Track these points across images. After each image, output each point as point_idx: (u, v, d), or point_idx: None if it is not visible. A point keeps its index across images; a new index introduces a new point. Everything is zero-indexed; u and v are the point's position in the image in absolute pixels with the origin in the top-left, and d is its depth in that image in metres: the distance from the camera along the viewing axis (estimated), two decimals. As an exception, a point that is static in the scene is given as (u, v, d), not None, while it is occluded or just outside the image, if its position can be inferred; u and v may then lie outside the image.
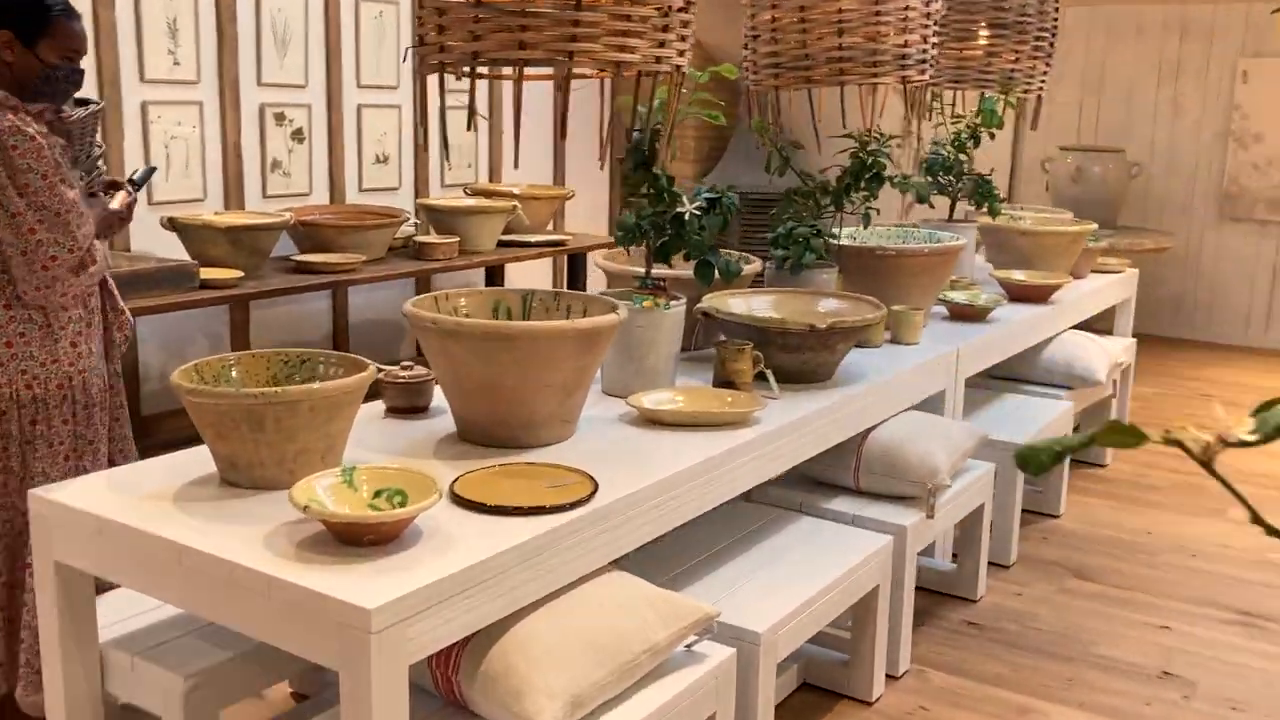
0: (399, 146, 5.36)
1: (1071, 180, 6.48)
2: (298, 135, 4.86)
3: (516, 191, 5.26)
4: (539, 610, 1.80)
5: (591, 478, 1.96)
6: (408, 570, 1.60)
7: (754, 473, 2.32)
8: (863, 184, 3.14)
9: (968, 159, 3.85)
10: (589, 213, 6.54)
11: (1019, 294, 3.90)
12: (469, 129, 2.39)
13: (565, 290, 2.42)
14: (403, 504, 1.77)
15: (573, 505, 1.85)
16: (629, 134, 2.58)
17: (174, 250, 4.01)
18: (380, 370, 2.38)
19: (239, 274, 3.83)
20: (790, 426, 2.40)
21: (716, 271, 2.64)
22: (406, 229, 4.74)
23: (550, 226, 5.54)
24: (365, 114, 5.17)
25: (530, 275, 6.30)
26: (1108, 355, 4.00)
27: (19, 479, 2.31)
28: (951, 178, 3.92)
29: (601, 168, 2.27)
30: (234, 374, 2.05)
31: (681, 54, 2.34)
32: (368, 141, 5.20)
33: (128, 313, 2.57)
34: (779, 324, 2.60)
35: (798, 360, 2.66)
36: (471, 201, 4.87)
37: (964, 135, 3.87)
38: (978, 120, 3.93)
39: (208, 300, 3.69)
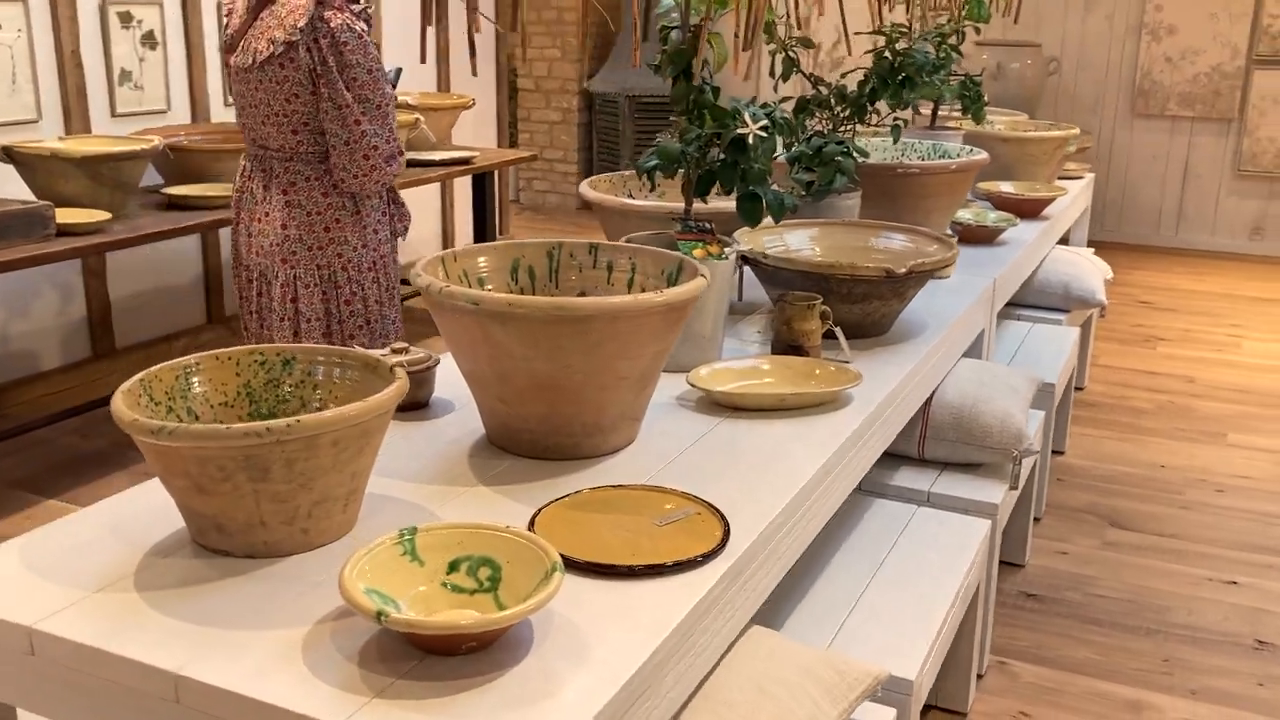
0: (268, 52, 4.58)
1: (991, 78, 6.15)
2: (149, 40, 4.05)
3: (412, 101, 4.56)
4: (693, 706, 1.30)
5: (708, 504, 1.46)
6: (549, 698, 1.08)
7: (864, 463, 1.85)
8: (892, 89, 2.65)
9: (960, 57, 3.40)
10: (474, 122, 5.87)
11: (1010, 208, 3.51)
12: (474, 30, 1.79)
13: (602, 241, 1.86)
14: (493, 578, 1.23)
15: (713, 552, 1.35)
16: (660, 30, 2.01)
17: (11, 187, 3.24)
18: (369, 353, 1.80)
19: (104, 216, 3.10)
20: (888, 399, 1.94)
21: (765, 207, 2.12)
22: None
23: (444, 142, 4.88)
24: (228, 13, 4.37)
25: (428, 201, 5.63)
26: (1100, 272, 3.68)
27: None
28: (937, 80, 3.46)
29: (474, 72, 1.74)
30: (195, 387, 1.45)
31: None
32: (232, 46, 4.41)
33: (406, 205, 2.77)
34: (847, 269, 2.11)
35: (861, 312, 2.19)
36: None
37: (952, 30, 3.41)
38: (963, 13, 3.48)
39: (69, 251, 2.96)
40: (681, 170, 2.05)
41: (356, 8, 2.47)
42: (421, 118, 4.23)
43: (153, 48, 4.04)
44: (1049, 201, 3.57)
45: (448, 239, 5.83)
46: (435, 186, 5.60)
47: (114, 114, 3.95)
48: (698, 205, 2.34)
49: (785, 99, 2.50)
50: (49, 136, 3.63)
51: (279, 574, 1.29)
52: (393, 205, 2.71)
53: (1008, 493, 2.29)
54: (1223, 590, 2.70)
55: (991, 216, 3.22)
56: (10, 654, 1.20)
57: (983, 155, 2.96)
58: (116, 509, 1.45)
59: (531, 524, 1.41)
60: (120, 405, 1.29)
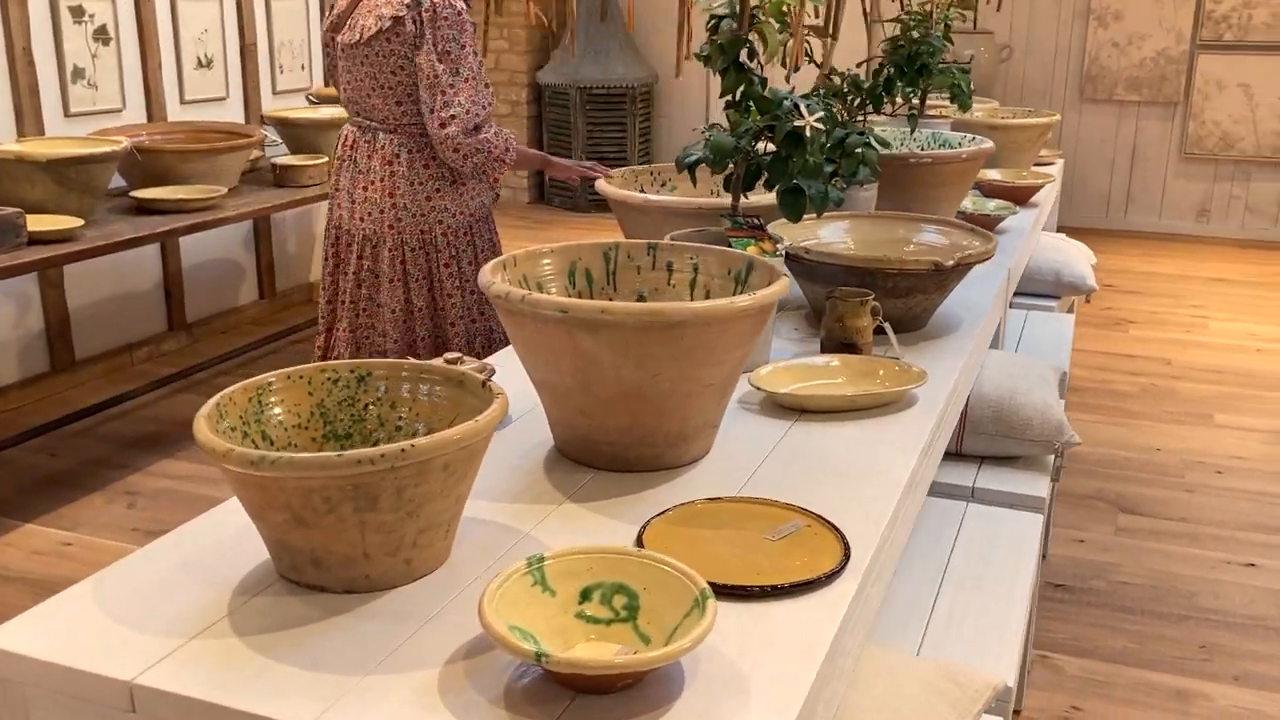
0: (223, 47, 4.41)
1: (946, 65, 6.16)
2: (101, 35, 3.86)
3: (373, 97, 4.42)
4: (833, 736, 1.24)
5: (816, 516, 1.39)
6: (725, 740, 1.00)
7: (935, 463, 1.80)
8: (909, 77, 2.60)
9: (951, 45, 3.37)
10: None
11: (1001, 196, 3.50)
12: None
13: (659, 241, 1.79)
14: (630, 607, 1.15)
15: (840, 567, 1.28)
16: (709, 21, 1.94)
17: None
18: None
19: (76, 222, 2.94)
20: (950, 396, 1.89)
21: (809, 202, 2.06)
22: (270, 150, 3.88)
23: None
24: (182, 6, 4.20)
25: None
26: (1086, 257, 3.70)
27: (427, 313, 2.74)
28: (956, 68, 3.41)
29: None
30: (276, 412, 1.35)
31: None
32: (187, 41, 4.24)
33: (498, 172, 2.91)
34: (895, 263, 2.06)
35: (904, 306, 2.14)
36: (337, 111, 4.02)
37: (944, 16, 3.38)
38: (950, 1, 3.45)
39: (42, 261, 2.80)
40: (720, 165, 1.98)
41: None
42: (391, 113, 4.10)
43: (106, 43, 3.86)
44: (1038, 188, 3.57)
45: (405, 237, 5.68)
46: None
47: (67, 113, 3.76)
48: (712, 199, 2.28)
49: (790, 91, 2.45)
50: (2, 139, 3.43)
51: (386, 610, 1.20)
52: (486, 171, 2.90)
53: (1051, 487, 2.26)
54: (1243, 573, 2.71)
55: (991, 205, 3.20)
56: (109, 712, 1.10)
57: (989, 144, 2.93)
58: (183, 543, 1.34)
59: (640, 542, 1.34)
60: (208, 435, 1.18)
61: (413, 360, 1.45)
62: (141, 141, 3.52)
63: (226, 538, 1.35)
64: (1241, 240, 6.46)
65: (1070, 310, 4.02)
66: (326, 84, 5.06)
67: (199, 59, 4.25)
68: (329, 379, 1.40)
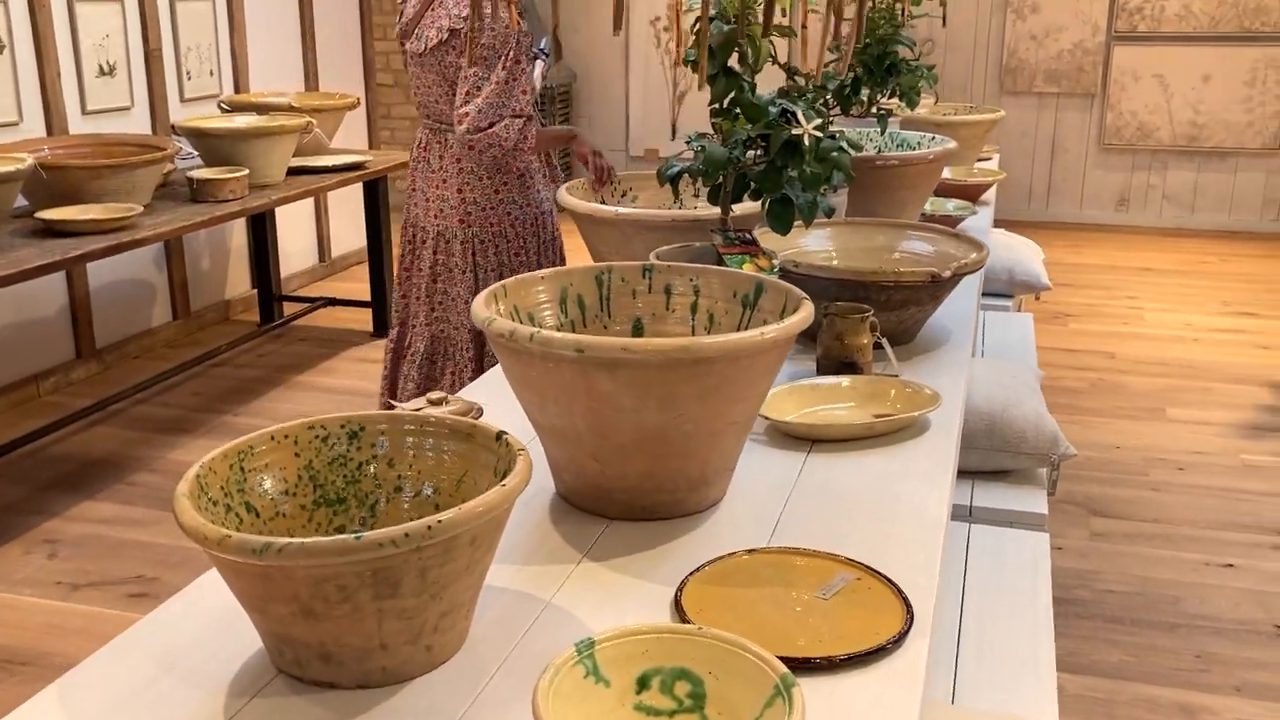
0: (126, 53, 4.15)
1: (869, 60, 6.12)
2: (-6, 43, 3.59)
3: (288, 103, 4.20)
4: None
5: (863, 566, 1.27)
6: None
7: (949, 491, 1.70)
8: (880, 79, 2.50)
9: (914, 43, 3.28)
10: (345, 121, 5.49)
11: (954, 194, 3.44)
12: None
13: (655, 263, 1.65)
14: (695, 694, 1.02)
15: (907, 627, 1.17)
16: (694, 24, 1.80)
17: None
18: (402, 409, 1.55)
19: (-20, 248, 2.69)
20: (959, 415, 1.79)
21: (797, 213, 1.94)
22: (182, 162, 3.64)
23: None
24: (80, 10, 3.94)
25: (301, 208, 5.25)
26: (1036, 253, 3.66)
27: None
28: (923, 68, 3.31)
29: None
30: (263, 479, 1.18)
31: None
32: (87, 48, 3.98)
33: (559, 168, 3.10)
34: (891, 276, 1.95)
35: (896, 319, 2.04)
36: (256, 120, 3.79)
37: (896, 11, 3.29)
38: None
39: (-55, 292, 2.54)
40: (711, 178, 1.85)
41: None
42: (314, 121, 3.89)
43: (-1, 52, 3.58)
44: (989, 185, 3.51)
45: (323, 251, 5.44)
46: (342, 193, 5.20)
47: (-41, 129, 3.48)
48: (686, 212, 2.16)
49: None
50: (-110, 158, 3.14)
51: (408, 708, 1.05)
52: (549, 166, 3.06)
53: (1049, 501, 2.18)
54: (1223, 575, 2.68)
55: (950, 206, 3.13)
56: None
57: (952, 144, 2.85)
58: (157, 633, 1.17)
59: (679, 607, 1.20)
60: (195, 518, 1.01)
61: (409, 410, 1.29)
62: (45, 157, 3.26)
63: (208, 624, 1.19)
64: (1160, 229, 6.55)
65: (1019, 309, 3.99)
66: (237, 90, 4.80)
67: (100, 66, 3.97)
68: (317, 437, 1.24)
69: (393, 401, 3.06)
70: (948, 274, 1.97)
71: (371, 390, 3.95)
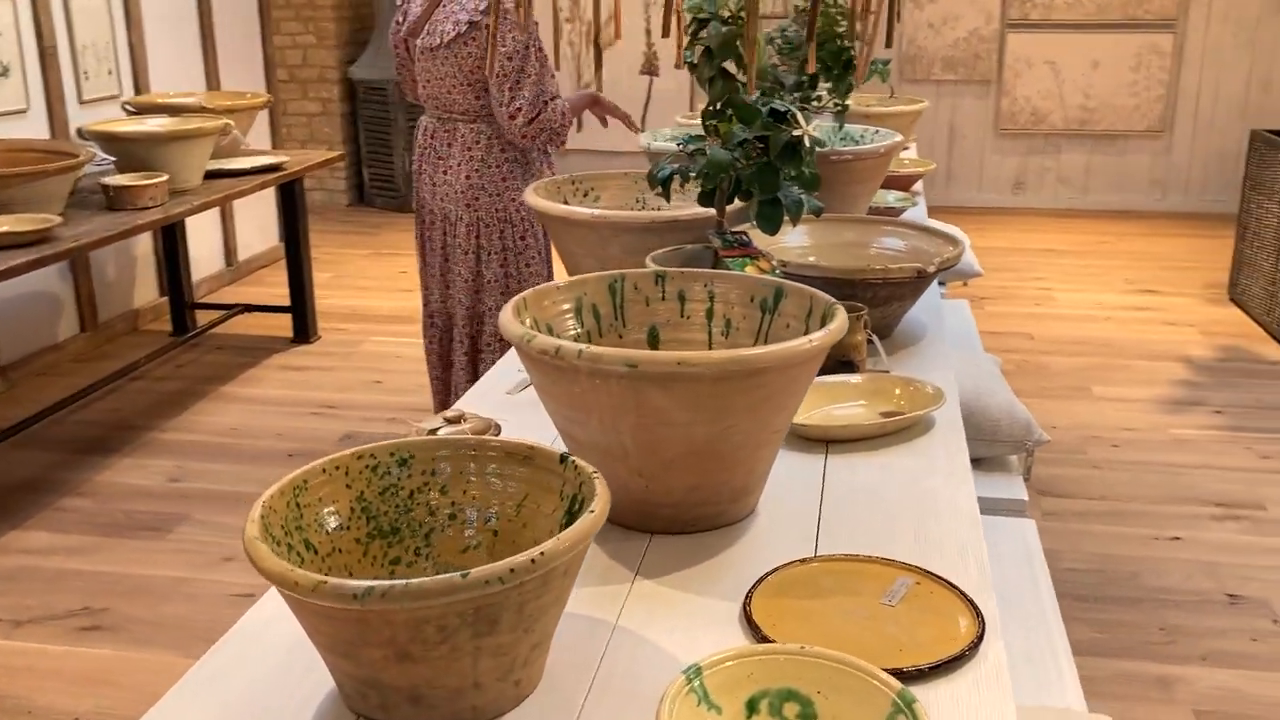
0: (20, 52, 3.94)
1: (775, 50, 6.17)
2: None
3: (198, 103, 4.03)
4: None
5: (918, 569, 1.28)
6: None
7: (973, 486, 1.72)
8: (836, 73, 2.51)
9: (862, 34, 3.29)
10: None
11: (889, 186, 3.48)
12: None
13: (669, 269, 1.62)
14: (804, 715, 1.00)
15: (981, 632, 1.17)
16: (687, 24, 1.77)
17: None
18: (423, 430, 1.50)
19: (-105, 268, 2.52)
20: (958, 409, 1.81)
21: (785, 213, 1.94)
22: (93, 169, 3.47)
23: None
24: (-24, 10, 3.73)
25: (259, 212, 5.07)
26: (966, 239, 3.73)
27: (515, 280, 3.04)
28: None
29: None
30: (326, 513, 1.12)
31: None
32: (-21, 49, 3.76)
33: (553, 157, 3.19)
34: (879, 273, 1.97)
35: (880, 315, 2.05)
36: (171, 123, 3.63)
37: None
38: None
39: None
40: (713, 180, 1.83)
41: None
42: (231, 122, 3.74)
43: (-112, 54, 3.35)
44: (920, 175, 3.58)
45: (230, 255, 5.26)
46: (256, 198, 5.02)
47: None
48: (677, 209, 2.14)
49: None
50: None
51: (505, 747, 1.01)
52: (546, 154, 3.16)
53: (1025, 487, 2.23)
54: (1172, 547, 2.78)
55: (891, 198, 3.17)
56: None
57: (899, 137, 2.89)
58: (216, 678, 1.11)
59: (750, 622, 1.19)
60: (280, 564, 0.96)
61: (469, 436, 1.25)
62: (-55, 166, 3.07)
63: (270, 666, 1.13)
64: (1055, 210, 6.77)
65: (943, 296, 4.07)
66: (137, 91, 4.59)
67: (-4, 68, 3.75)
68: (367, 467, 1.19)
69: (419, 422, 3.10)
70: (932, 269, 1.99)
71: (302, 398, 3.83)
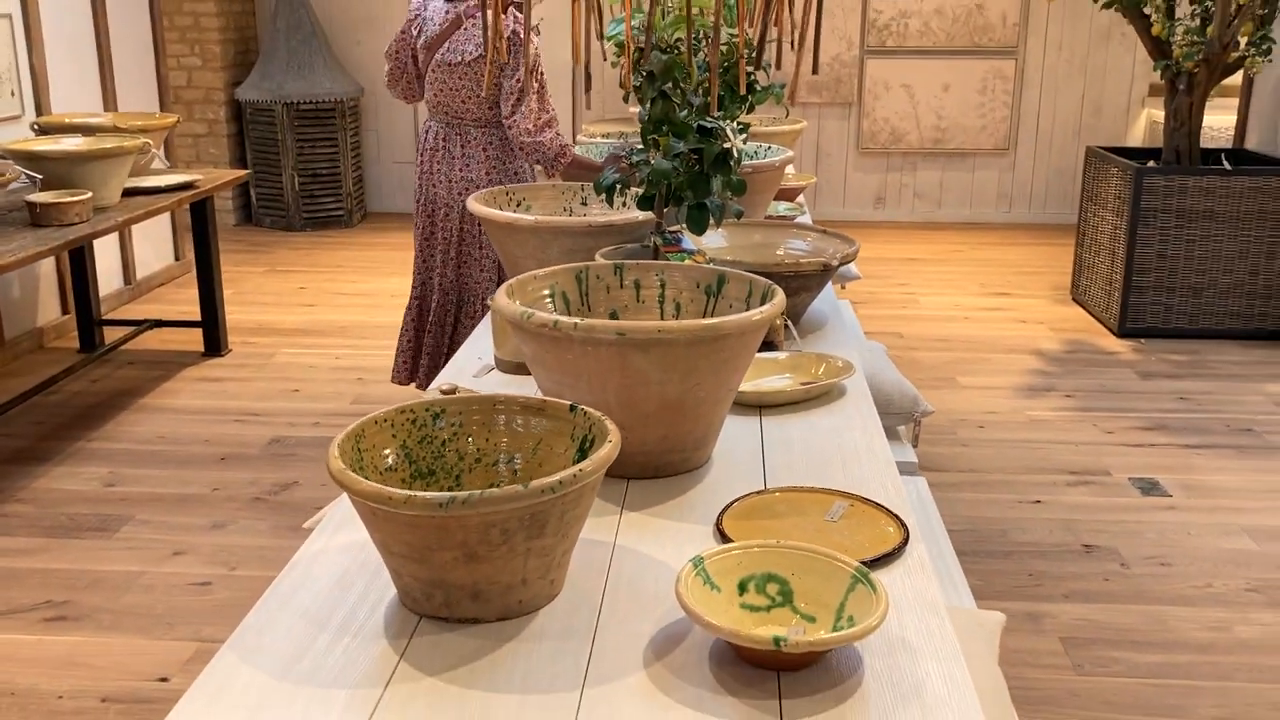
0: (-70, 74, 3.99)
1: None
2: None
3: (111, 123, 4.14)
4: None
5: (853, 495, 1.58)
6: (918, 695, 1.17)
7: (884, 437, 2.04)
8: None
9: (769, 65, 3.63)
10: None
11: (778, 197, 3.83)
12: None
13: (626, 262, 1.89)
14: (783, 592, 1.29)
15: (906, 538, 1.48)
16: (636, 51, 2.06)
17: None
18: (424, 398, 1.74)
19: None
20: (863, 378, 2.14)
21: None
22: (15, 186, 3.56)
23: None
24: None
25: (156, 231, 5.12)
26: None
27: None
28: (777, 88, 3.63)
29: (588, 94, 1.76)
30: (386, 461, 1.37)
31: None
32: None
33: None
34: (791, 267, 2.28)
35: (792, 304, 2.37)
36: (94, 142, 3.73)
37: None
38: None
39: None
40: (655, 187, 2.11)
41: (520, 14, 3.26)
42: (150, 141, 3.87)
43: None
44: (803, 188, 3.93)
45: (128, 273, 5.31)
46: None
47: None
48: (608, 215, 2.42)
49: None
50: None
51: (548, 630, 1.27)
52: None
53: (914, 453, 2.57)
54: (1034, 509, 3.18)
55: (782, 208, 3.51)
56: (344, 768, 1.10)
57: (790, 152, 3.23)
58: (293, 601, 1.33)
59: (723, 535, 1.47)
60: (373, 485, 1.20)
61: (487, 393, 1.50)
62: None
63: (330, 585, 1.36)
64: (913, 222, 7.28)
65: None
66: (39, 112, 4.62)
67: (-94, 89, 3.79)
68: (408, 420, 1.43)
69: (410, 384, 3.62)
70: (835, 263, 2.32)
71: (223, 407, 3.97)
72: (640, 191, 2.16)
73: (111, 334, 4.62)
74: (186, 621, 2.59)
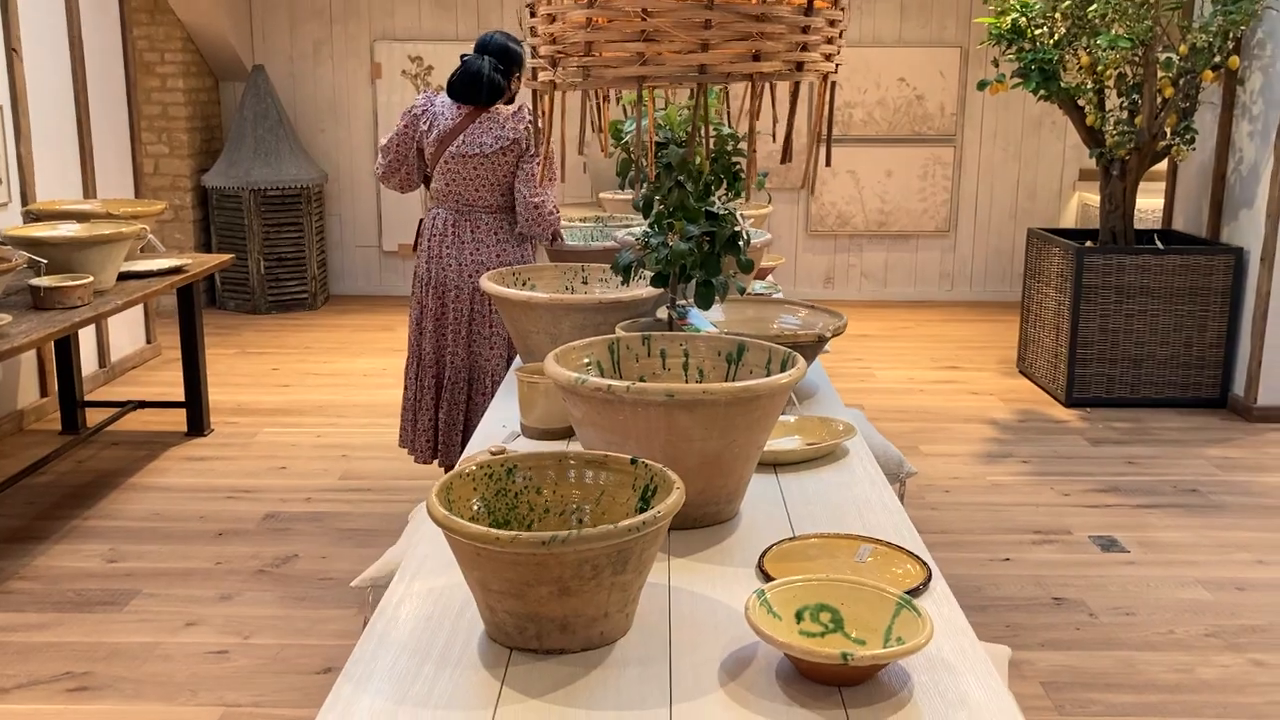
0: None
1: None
2: None
3: (104, 210, 4.26)
4: None
5: (876, 539, 1.76)
6: (961, 697, 1.34)
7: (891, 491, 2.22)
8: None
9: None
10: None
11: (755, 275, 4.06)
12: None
13: (652, 333, 2.07)
14: (835, 620, 1.46)
15: (929, 575, 1.66)
16: (630, 148, 2.26)
17: None
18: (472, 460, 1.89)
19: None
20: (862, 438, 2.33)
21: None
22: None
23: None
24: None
25: (129, 314, 5.18)
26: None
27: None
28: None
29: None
30: (474, 505, 1.52)
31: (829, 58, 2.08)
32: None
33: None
34: (790, 338, 2.48)
35: (787, 373, 2.57)
36: (94, 228, 3.85)
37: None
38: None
39: None
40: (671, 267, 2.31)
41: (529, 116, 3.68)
42: (147, 227, 4.00)
43: None
44: (774, 267, 4.17)
45: (104, 356, 5.37)
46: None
47: None
48: (618, 292, 2.61)
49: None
50: None
51: (630, 658, 1.42)
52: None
53: (901, 510, 2.75)
54: (1004, 566, 3.37)
55: (759, 285, 3.73)
56: (469, 777, 1.24)
57: (768, 235, 3.46)
58: (393, 636, 1.46)
59: (765, 575, 1.63)
60: (480, 527, 1.35)
61: (555, 450, 1.66)
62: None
63: (418, 624, 1.49)
64: (861, 300, 7.59)
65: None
66: (25, 200, 4.73)
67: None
68: (486, 475, 1.58)
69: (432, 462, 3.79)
70: (829, 334, 2.53)
71: (213, 484, 4.05)
72: (649, 271, 2.36)
73: (93, 416, 4.68)
74: (209, 689, 2.67)
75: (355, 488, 4.04)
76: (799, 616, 1.46)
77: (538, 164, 3.54)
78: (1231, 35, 4.84)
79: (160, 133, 6.89)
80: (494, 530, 1.34)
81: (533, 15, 1.84)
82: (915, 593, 1.60)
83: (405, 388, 3.78)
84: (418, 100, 3.71)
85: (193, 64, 7.01)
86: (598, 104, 1.95)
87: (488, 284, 2.73)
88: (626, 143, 2.39)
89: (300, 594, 3.17)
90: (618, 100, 2.74)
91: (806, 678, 1.36)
